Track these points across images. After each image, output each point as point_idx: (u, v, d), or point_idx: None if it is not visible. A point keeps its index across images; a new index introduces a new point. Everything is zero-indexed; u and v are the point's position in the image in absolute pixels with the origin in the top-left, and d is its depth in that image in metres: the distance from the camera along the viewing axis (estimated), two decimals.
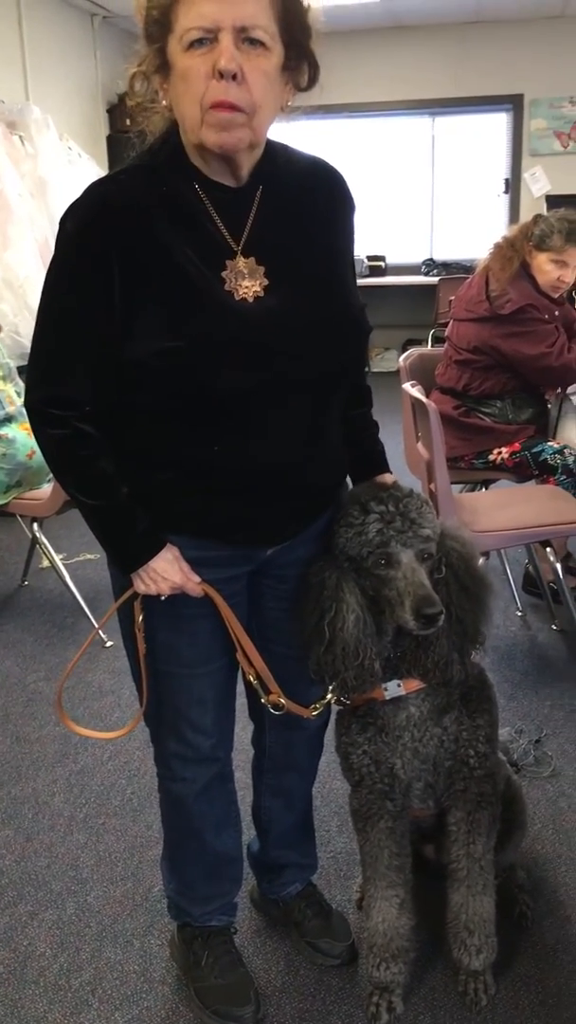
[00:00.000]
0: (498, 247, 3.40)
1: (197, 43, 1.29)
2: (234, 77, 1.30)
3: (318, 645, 1.55)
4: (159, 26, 1.33)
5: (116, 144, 7.21)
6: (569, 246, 3.31)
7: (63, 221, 1.40)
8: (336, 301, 1.52)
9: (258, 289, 1.43)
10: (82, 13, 6.84)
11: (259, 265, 1.44)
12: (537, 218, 3.39)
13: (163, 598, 1.53)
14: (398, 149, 8.42)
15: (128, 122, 7.10)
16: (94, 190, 1.41)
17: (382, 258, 8.46)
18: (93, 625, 3.41)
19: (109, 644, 3.32)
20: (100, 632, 3.36)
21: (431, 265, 8.35)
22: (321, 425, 1.55)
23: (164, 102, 1.41)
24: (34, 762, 2.68)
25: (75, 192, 1.41)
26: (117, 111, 7.27)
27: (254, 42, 1.30)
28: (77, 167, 5.99)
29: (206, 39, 1.29)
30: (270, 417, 1.46)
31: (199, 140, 1.36)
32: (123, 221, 1.37)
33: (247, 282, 1.42)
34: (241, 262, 1.43)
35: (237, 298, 1.41)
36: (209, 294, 1.40)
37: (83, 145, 6.45)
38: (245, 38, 1.30)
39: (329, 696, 1.67)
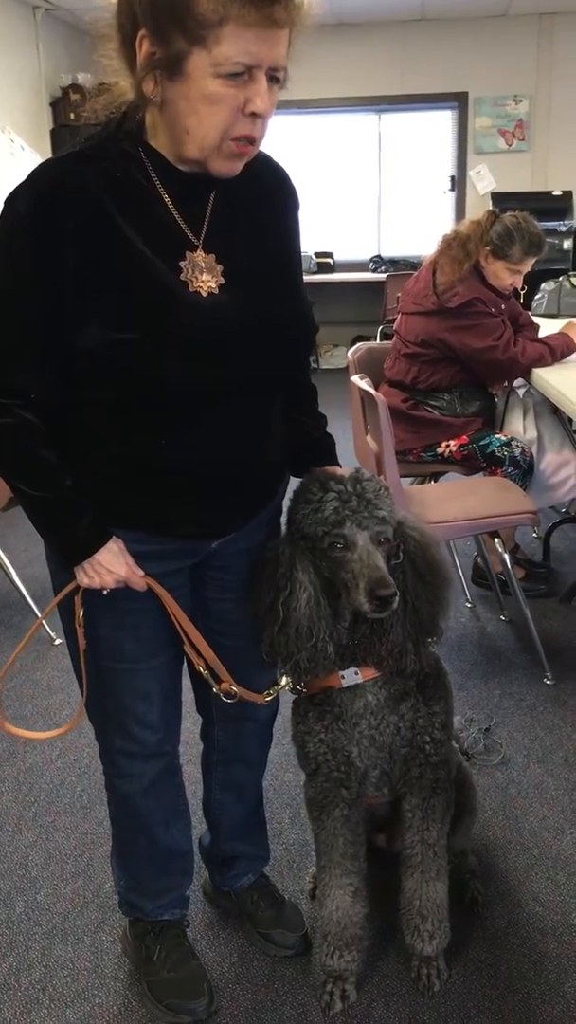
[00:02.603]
0: (446, 240, 3.40)
1: (234, 75, 1.27)
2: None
3: (271, 625, 1.54)
4: (187, 34, 1.25)
5: (60, 137, 7.13)
6: (528, 257, 3.35)
7: (11, 201, 1.34)
8: (287, 300, 1.51)
9: (212, 285, 1.41)
10: (24, 6, 6.75)
11: (218, 263, 1.42)
12: (492, 217, 3.37)
13: (106, 592, 1.51)
14: (345, 146, 8.45)
15: (72, 116, 7.04)
16: (46, 170, 1.35)
17: (330, 255, 8.49)
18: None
19: (58, 642, 3.28)
20: (49, 629, 3.32)
21: (379, 262, 8.39)
22: (267, 421, 1.55)
23: (154, 97, 1.32)
24: None
25: (17, 183, 1.36)
26: (61, 104, 7.18)
27: (275, 79, 1.31)
28: (19, 159, 5.92)
29: (243, 73, 1.27)
30: (217, 412, 1.45)
31: (204, 159, 1.34)
32: (78, 203, 1.32)
33: (204, 276, 1.41)
34: (201, 256, 1.41)
35: (191, 290, 1.39)
36: (164, 285, 1.37)
37: (26, 138, 6.37)
38: (271, 75, 1.30)
39: (283, 681, 1.66)
